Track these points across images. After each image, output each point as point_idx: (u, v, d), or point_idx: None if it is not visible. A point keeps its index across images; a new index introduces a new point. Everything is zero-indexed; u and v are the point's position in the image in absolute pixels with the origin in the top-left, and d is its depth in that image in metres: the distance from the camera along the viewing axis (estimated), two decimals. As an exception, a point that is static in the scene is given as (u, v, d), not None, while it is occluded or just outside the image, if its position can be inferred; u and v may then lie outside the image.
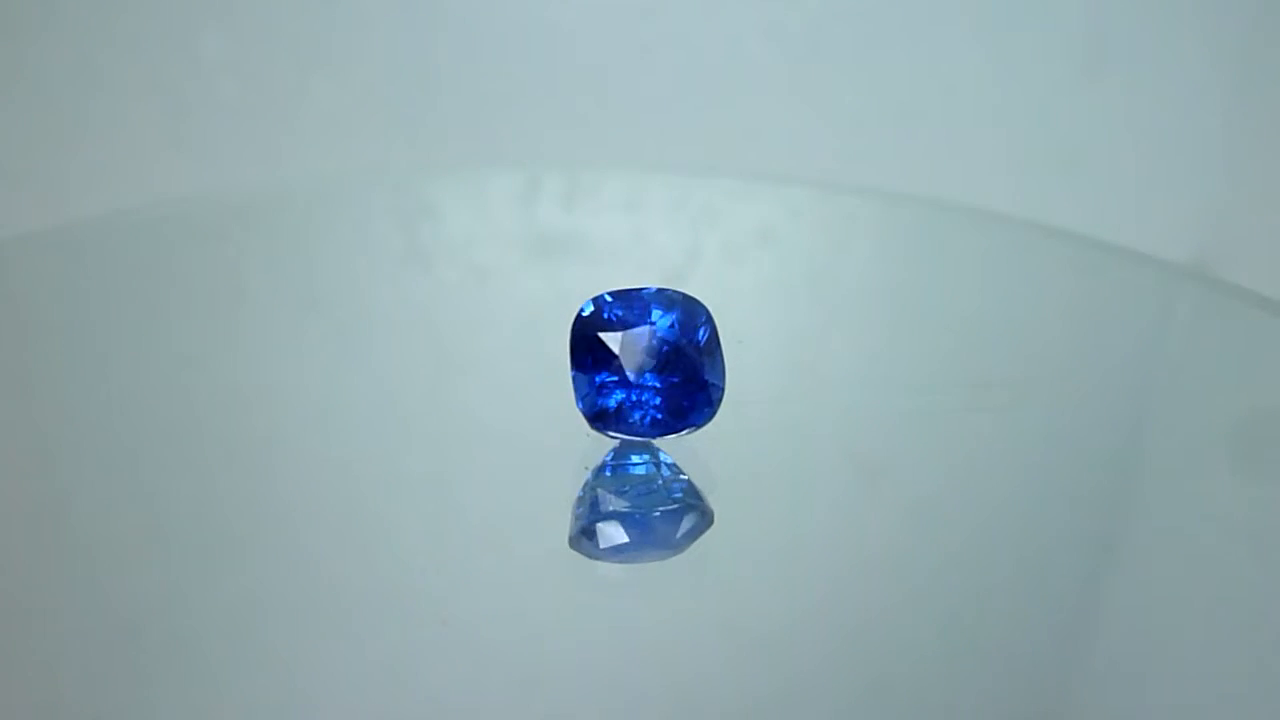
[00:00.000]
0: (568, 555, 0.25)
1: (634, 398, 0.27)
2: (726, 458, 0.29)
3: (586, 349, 0.27)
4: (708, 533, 0.26)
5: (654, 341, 0.27)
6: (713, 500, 0.27)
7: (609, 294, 0.27)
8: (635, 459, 0.27)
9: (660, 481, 0.27)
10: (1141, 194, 0.51)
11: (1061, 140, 0.52)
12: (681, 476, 0.27)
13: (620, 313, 0.27)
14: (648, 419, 0.27)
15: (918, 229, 0.44)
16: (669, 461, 0.27)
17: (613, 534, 0.25)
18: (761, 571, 0.26)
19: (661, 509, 0.26)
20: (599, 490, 0.26)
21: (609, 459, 0.27)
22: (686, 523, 0.25)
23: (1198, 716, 0.23)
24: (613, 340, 0.27)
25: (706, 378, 0.27)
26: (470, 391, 0.32)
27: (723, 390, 0.27)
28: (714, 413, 0.27)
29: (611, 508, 0.26)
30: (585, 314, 0.27)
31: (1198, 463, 0.31)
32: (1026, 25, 0.51)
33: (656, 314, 0.27)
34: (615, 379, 0.27)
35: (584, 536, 0.25)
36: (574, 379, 0.27)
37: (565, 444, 0.28)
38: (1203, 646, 0.25)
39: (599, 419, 0.27)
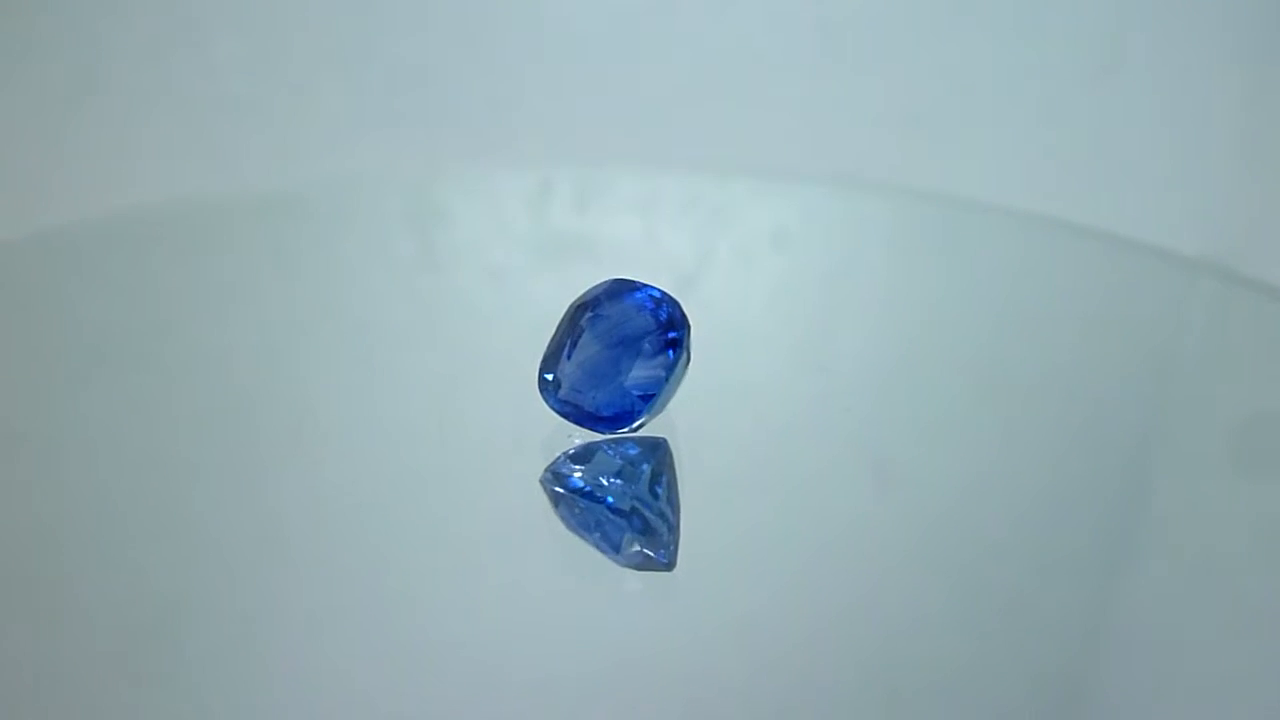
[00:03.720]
0: (578, 562, 0.25)
1: (559, 376, 0.28)
2: (739, 458, 0.29)
3: (566, 321, 0.28)
4: (719, 535, 0.26)
5: (601, 335, 0.27)
6: (722, 499, 0.27)
7: (616, 281, 0.28)
8: (624, 459, 0.27)
9: (618, 484, 0.26)
10: (1159, 189, 0.51)
11: (1078, 136, 0.51)
12: (633, 497, 0.26)
13: (606, 301, 0.28)
14: (566, 401, 0.27)
15: (933, 227, 0.44)
16: (658, 480, 0.27)
17: (560, 507, 0.26)
18: (773, 574, 0.26)
19: (599, 510, 0.26)
20: (575, 461, 0.27)
21: (608, 443, 0.27)
22: (622, 542, 0.25)
23: (1209, 717, 0.23)
24: (576, 321, 0.28)
25: (630, 387, 0.27)
26: (482, 392, 0.32)
27: (639, 416, 0.27)
28: (622, 428, 0.27)
29: (560, 488, 0.26)
30: (584, 294, 0.28)
31: (1218, 459, 0.31)
32: (1043, 22, 0.51)
33: (630, 312, 0.27)
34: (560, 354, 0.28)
35: (543, 483, 0.26)
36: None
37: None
38: (1218, 652, 0.25)
39: (542, 371, 0.28)
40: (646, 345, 0.27)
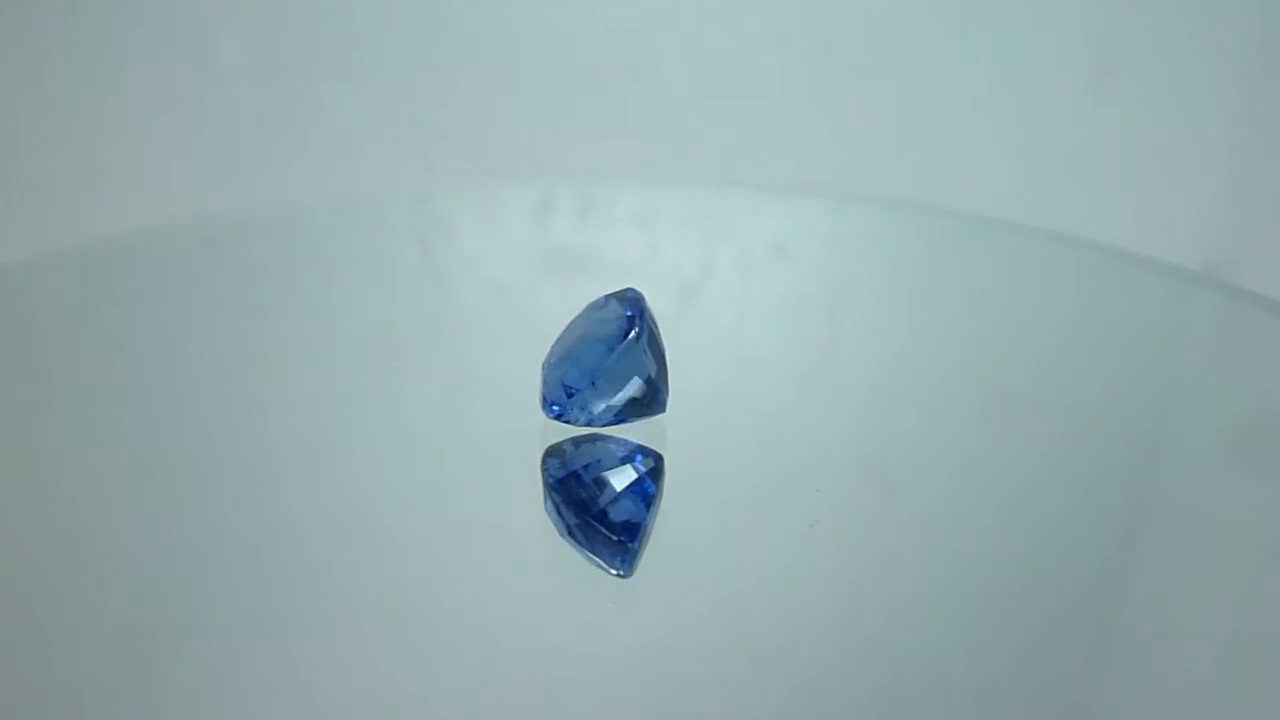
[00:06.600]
0: (583, 565, 0.26)
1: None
2: (740, 468, 0.30)
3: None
4: (719, 539, 0.27)
5: (571, 333, 0.29)
6: (724, 507, 0.27)
7: (629, 290, 0.30)
8: (619, 460, 0.27)
9: (601, 478, 0.27)
10: (1153, 201, 0.51)
11: (1072, 148, 0.52)
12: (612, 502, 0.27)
13: (603, 304, 0.30)
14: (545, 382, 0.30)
15: (930, 239, 0.44)
16: (643, 488, 0.27)
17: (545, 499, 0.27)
18: (773, 580, 0.26)
19: (555, 515, 0.26)
20: (573, 445, 0.27)
21: (612, 438, 0.28)
22: (581, 544, 0.26)
23: (1209, 717, 0.23)
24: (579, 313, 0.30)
25: (563, 379, 0.29)
26: (485, 404, 0.33)
27: (565, 409, 0.29)
28: (558, 418, 0.29)
29: (551, 470, 0.27)
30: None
31: (1213, 466, 0.31)
32: (1036, 36, 0.51)
33: (608, 318, 0.29)
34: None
35: (542, 464, 0.27)
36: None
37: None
38: (1217, 655, 0.25)
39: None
40: (599, 348, 0.29)
